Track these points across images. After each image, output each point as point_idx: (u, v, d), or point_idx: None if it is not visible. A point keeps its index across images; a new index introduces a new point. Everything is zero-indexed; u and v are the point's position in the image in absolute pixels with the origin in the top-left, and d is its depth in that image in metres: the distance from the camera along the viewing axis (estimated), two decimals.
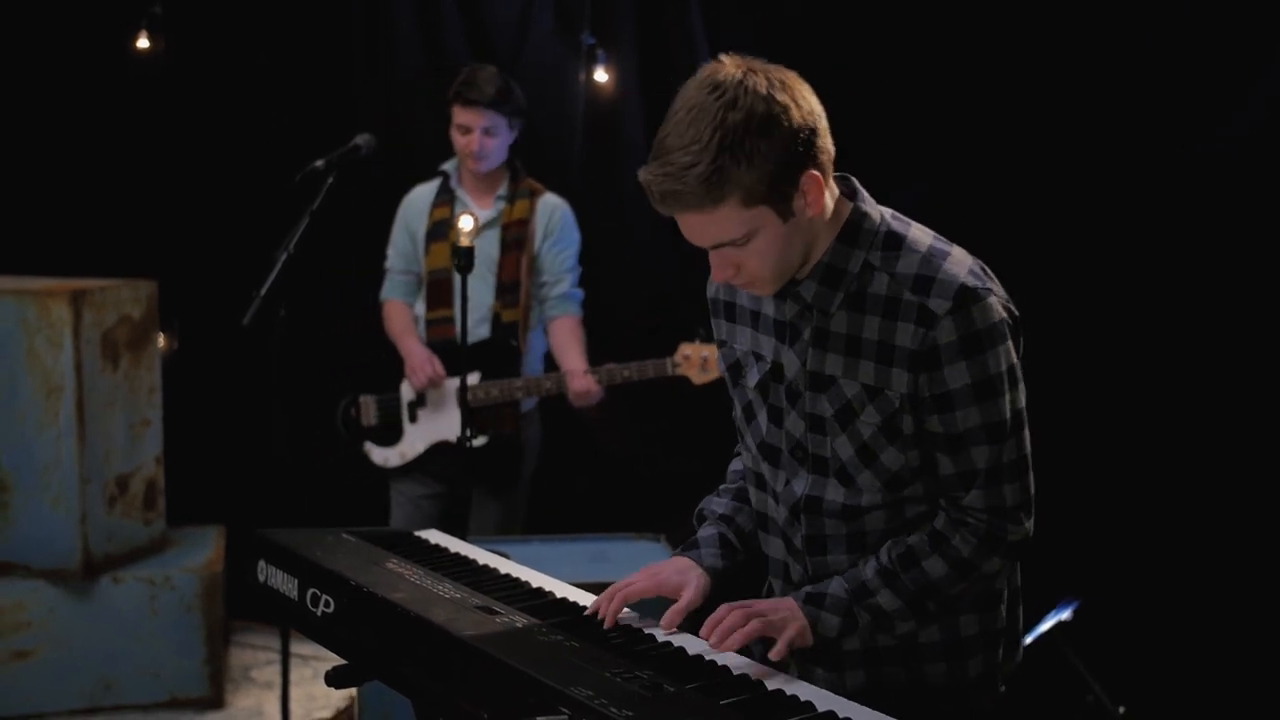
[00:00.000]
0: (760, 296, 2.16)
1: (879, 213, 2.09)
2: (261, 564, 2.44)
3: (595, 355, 4.33)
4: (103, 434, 4.62)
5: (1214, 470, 4.00)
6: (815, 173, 1.97)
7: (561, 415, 4.74)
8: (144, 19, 5.31)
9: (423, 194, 4.46)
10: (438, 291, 4.37)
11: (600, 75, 5.00)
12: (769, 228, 1.98)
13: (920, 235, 2.08)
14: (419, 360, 4.29)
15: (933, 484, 2.09)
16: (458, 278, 4.22)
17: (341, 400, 4.45)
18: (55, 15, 5.37)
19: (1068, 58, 4.17)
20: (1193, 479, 4.03)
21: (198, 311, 5.28)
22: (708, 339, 4.15)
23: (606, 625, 2.12)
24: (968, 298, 1.98)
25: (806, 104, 1.97)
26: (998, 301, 2.02)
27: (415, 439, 4.36)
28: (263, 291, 3.77)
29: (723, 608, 2.03)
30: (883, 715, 1.81)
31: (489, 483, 4.35)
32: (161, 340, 5.00)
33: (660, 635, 2.10)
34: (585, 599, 2.25)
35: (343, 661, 2.29)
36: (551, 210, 4.40)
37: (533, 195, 4.39)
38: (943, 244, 2.07)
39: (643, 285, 5.09)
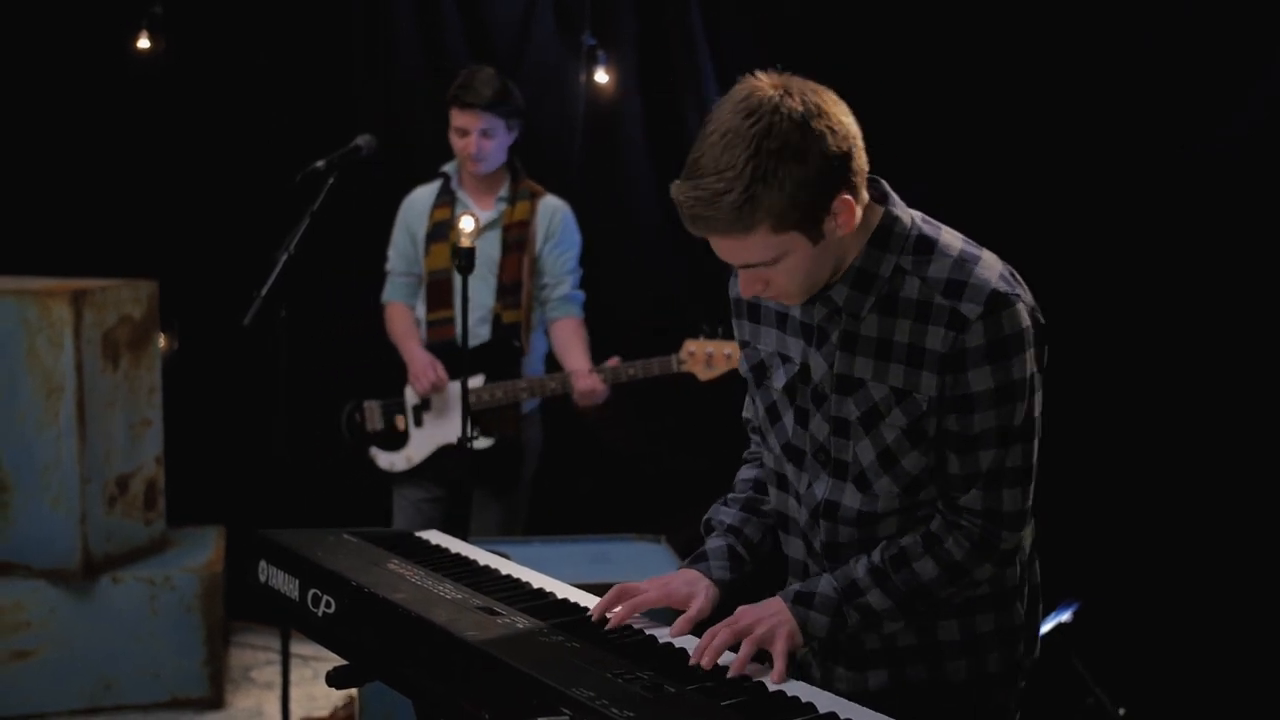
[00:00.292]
0: None
1: (910, 216, 2.09)
2: (262, 564, 2.43)
3: (597, 356, 4.33)
4: (103, 434, 4.62)
5: (1214, 472, 4.00)
6: (847, 196, 1.96)
7: (562, 416, 4.74)
8: (144, 19, 5.31)
9: (423, 195, 4.46)
10: (437, 292, 4.37)
11: (601, 76, 5.00)
12: (799, 250, 1.98)
13: (951, 239, 2.08)
14: (421, 366, 4.28)
15: (942, 484, 2.09)
16: (458, 278, 4.23)
17: (345, 405, 4.44)
18: (56, 15, 5.37)
19: (1068, 58, 4.17)
20: (1192, 481, 4.03)
21: (198, 312, 5.28)
22: (712, 335, 4.15)
23: (610, 627, 2.12)
24: (999, 303, 1.99)
25: (842, 128, 1.95)
26: (1025, 309, 2.03)
27: (421, 443, 4.35)
28: (263, 292, 3.77)
29: (710, 630, 2.03)
30: (883, 717, 1.81)
31: (490, 484, 4.35)
32: (162, 340, 5.00)
33: (662, 637, 2.10)
34: (586, 600, 2.25)
35: (343, 662, 2.29)
36: (553, 212, 4.40)
37: (533, 197, 4.39)
38: (973, 248, 2.08)
39: (644, 286, 5.09)
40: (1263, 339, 3.96)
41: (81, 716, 4.58)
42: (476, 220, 3.36)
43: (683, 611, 2.16)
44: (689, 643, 2.06)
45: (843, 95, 2.01)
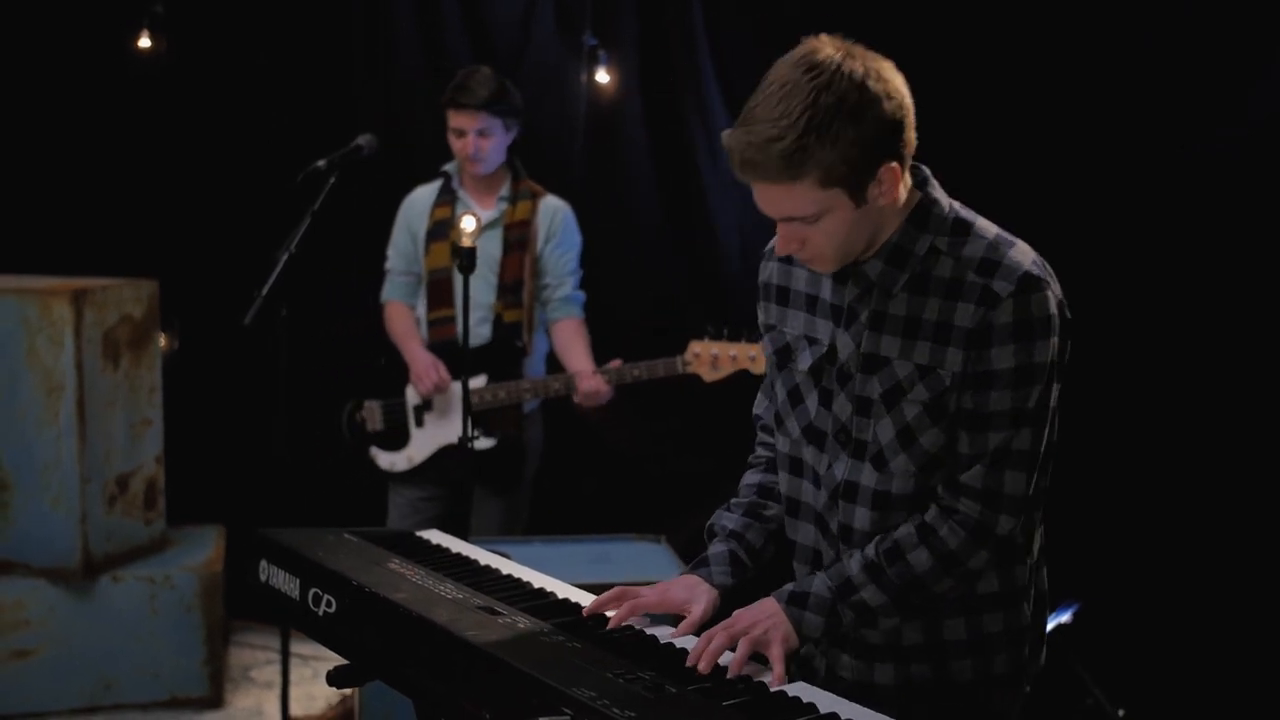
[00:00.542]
0: (819, 280, 2.18)
1: (948, 201, 2.13)
2: (263, 564, 2.44)
3: (598, 358, 4.33)
4: (103, 433, 4.62)
5: (1213, 472, 4.00)
6: (895, 164, 2.01)
7: (563, 416, 4.74)
8: (145, 18, 5.31)
9: (424, 194, 4.46)
10: (438, 291, 4.37)
11: (602, 76, 5.00)
12: (840, 210, 2.01)
13: (987, 225, 2.12)
14: (423, 367, 4.28)
15: (950, 465, 2.09)
16: (458, 278, 4.23)
17: (345, 405, 4.44)
18: (56, 14, 5.37)
19: (1067, 58, 4.17)
20: (1192, 481, 4.03)
21: (199, 311, 5.28)
22: (717, 336, 4.15)
23: (610, 627, 2.13)
24: (1030, 285, 2.02)
25: (898, 96, 2.00)
26: (1054, 298, 2.05)
27: (422, 443, 4.35)
28: (264, 291, 3.77)
29: (707, 633, 2.03)
30: (885, 717, 1.81)
31: (492, 484, 4.34)
32: (162, 340, 5.00)
33: (663, 637, 2.10)
34: (587, 600, 2.25)
35: (344, 661, 2.29)
36: (554, 212, 4.40)
37: (534, 197, 4.39)
38: (1008, 235, 2.11)
39: (644, 286, 5.09)
40: (1261, 339, 3.96)
41: (81, 715, 4.58)
42: (478, 220, 3.36)
43: (683, 616, 2.17)
44: (690, 643, 2.06)
45: None
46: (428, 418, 4.35)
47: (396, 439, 4.38)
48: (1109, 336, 4.09)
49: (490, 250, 4.30)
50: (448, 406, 4.31)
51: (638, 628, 2.14)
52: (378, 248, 4.57)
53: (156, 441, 4.91)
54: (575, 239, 4.44)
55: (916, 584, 2.07)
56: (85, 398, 4.52)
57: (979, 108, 4.14)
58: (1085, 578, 3.90)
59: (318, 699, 4.73)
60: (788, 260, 2.25)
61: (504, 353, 4.32)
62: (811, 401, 2.19)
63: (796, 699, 1.87)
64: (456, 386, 4.25)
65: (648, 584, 2.25)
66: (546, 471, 4.64)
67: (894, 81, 2.01)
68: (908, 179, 2.08)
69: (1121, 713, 3.75)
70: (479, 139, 4.23)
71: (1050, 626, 3.63)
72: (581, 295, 4.43)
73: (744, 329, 4.14)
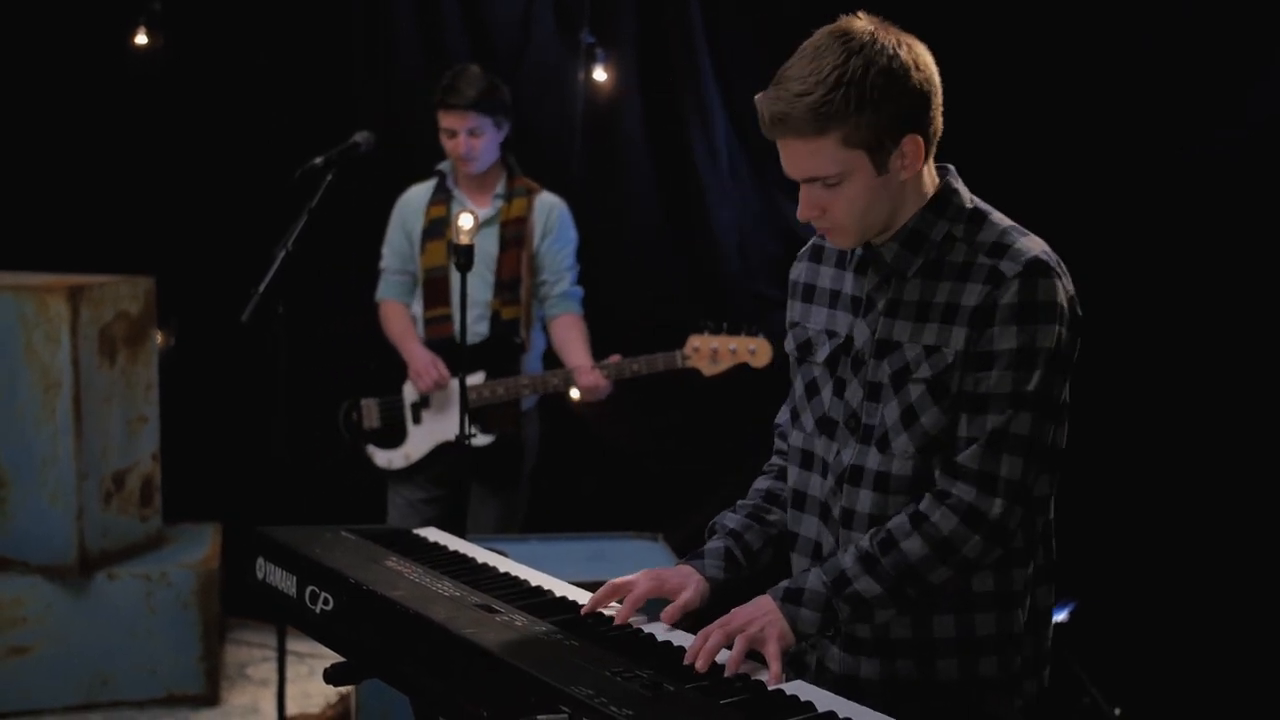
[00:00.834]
0: (843, 277, 2.22)
1: (969, 194, 2.18)
2: (260, 561, 2.43)
3: (596, 356, 4.33)
4: (100, 430, 4.62)
5: (1210, 471, 4.01)
6: (918, 137, 2.06)
7: (560, 413, 4.74)
8: (143, 15, 5.30)
9: (418, 193, 4.46)
10: (434, 290, 4.37)
11: (600, 74, 4.99)
12: (861, 176, 2.05)
13: (1004, 217, 2.17)
14: (423, 364, 4.28)
15: (948, 450, 2.09)
16: (455, 276, 4.23)
17: (342, 403, 4.44)
18: (54, 11, 5.37)
19: (1066, 61, 4.17)
20: (1188, 480, 4.03)
21: (196, 308, 5.28)
22: (717, 330, 4.15)
23: (617, 623, 2.13)
24: (1038, 269, 2.05)
25: (927, 71, 2.07)
26: (1063, 290, 2.08)
27: (420, 441, 4.35)
28: (261, 288, 3.77)
29: (703, 631, 2.04)
30: (885, 717, 1.81)
31: (490, 482, 4.34)
32: (159, 337, 5.00)
33: (660, 635, 2.10)
34: (584, 598, 2.25)
35: (341, 659, 2.29)
36: (549, 209, 4.40)
37: (529, 193, 4.39)
38: (1023, 229, 2.15)
39: (644, 285, 5.09)
40: (1259, 338, 3.96)
41: (77, 712, 4.58)
42: (475, 217, 3.36)
43: (673, 599, 2.18)
44: (687, 641, 2.06)
45: None
46: (425, 415, 4.34)
47: (394, 437, 4.38)
48: (1106, 336, 4.10)
49: (487, 248, 4.30)
50: (446, 404, 4.31)
51: (636, 625, 2.14)
52: (376, 245, 4.57)
53: (153, 438, 4.91)
54: (571, 234, 4.44)
55: (911, 573, 2.06)
56: (82, 394, 4.52)
57: (979, 109, 4.14)
58: (1081, 576, 3.90)
59: (314, 697, 4.73)
60: (817, 259, 2.30)
61: (502, 349, 4.32)
62: (826, 392, 2.22)
63: (794, 697, 1.87)
64: (455, 383, 4.25)
65: None
66: (544, 469, 4.64)
67: (924, 58, 2.08)
68: (932, 167, 2.14)
69: (1118, 711, 3.75)
70: (470, 138, 4.24)
71: None
72: (579, 290, 4.43)
73: (742, 323, 4.14)
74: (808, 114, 2.00)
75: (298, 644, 4.71)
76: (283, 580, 2.37)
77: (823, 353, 2.23)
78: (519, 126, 4.70)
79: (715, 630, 2.03)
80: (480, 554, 2.50)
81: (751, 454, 2.49)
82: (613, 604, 2.21)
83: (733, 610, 2.10)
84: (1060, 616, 3.70)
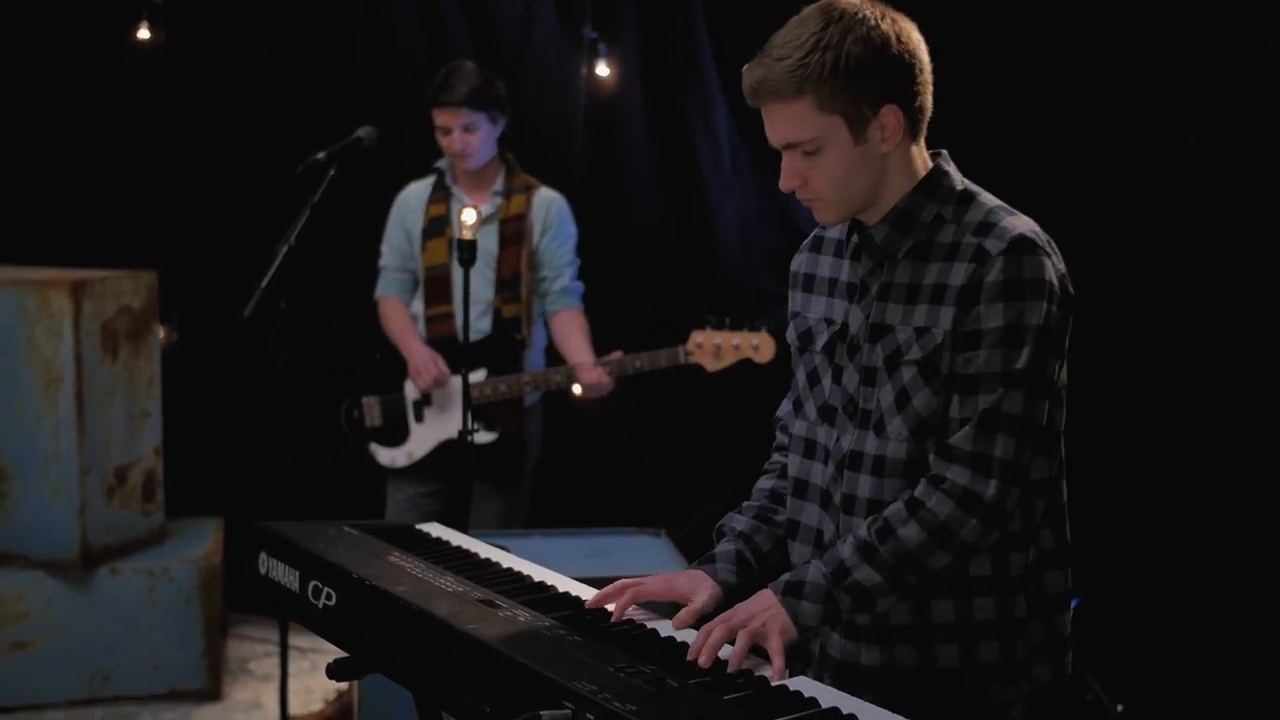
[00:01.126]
0: (840, 265, 2.23)
1: (959, 177, 2.18)
2: (263, 556, 2.43)
3: (599, 354, 4.32)
4: (102, 425, 4.62)
5: (1212, 467, 4.00)
6: (897, 109, 2.06)
7: (562, 410, 4.74)
8: (145, 10, 5.29)
9: (417, 191, 4.45)
10: (435, 288, 4.36)
11: (602, 70, 4.99)
12: (839, 143, 2.07)
13: (992, 198, 2.17)
14: (422, 361, 4.27)
15: (941, 433, 2.09)
16: (457, 273, 4.23)
17: (344, 401, 4.43)
18: (55, 5, 5.36)
19: (1060, 50, 4.16)
20: (1191, 476, 4.03)
21: (198, 303, 5.27)
22: (719, 326, 4.14)
23: (614, 619, 2.13)
24: (1023, 246, 2.05)
25: (911, 45, 2.09)
26: (1052, 268, 2.07)
27: (422, 438, 4.35)
28: (263, 283, 3.76)
29: (705, 627, 2.03)
30: (887, 712, 1.81)
31: (492, 479, 4.34)
32: (161, 332, 5.00)
33: (663, 630, 2.10)
34: (587, 593, 2.24)
35: (343, 654, 2.29)
36: (548, 204, 4.39)
37: (528, 190, 4.39)
38: (1012, 209, 2.15)
39: (645, 283, 5.08)
40: (1260, 334, 3.96)
41: (80, 707, 4.58)
42: (478, 212, 3.35)
43: (685, 605, 2.17)
44: (691, 637, 2.06)
45: None
46: (427, 413, 4.34)
47: (396, 434, 4.38)
48: (1105, 329, 4.09)
49: (487, 245, 4.29)
50: (447, 401, 4.31)
51: (639, 621, 2.14)
52: (378, 241, 4.57)
53: (155, 433, 4.91)
54: (571, 230, 4.43)
55: (910, 560, 2.06)
56: (84, 389, 4.52)
57: (976, 98, 4.14)
58: (1084, 573, 3.89)
59: (316, 692, 4.73)
60: (816, 249, 2.31)
61: (503, 346, 4.31)
62: (827, 380, 2.22)
63: (798, 693, 1.87)
64: (456, 381, 4.25)
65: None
66: (546, 466, 4.64)
67: (910, 33, 2.09)
68: (924, 149, 2.15)
69: (1120, 707, 3.75)
70: (464, 134, 4.24)
71: None
72: (580, 286, 4.43)
73: (745, 319, 4.13)
74: (784, 75, 2.03)
75: (300, 639, 4.71)
76: (285, 575, 2.37)
77: (821, 340, 2.24)
78: (521, 123, 4.70)
79: (718, 626, 2.02)
80: (483, 549, 2.50)
81: (754, 449, 2.49)
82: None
83: (735, 606, 2.10)
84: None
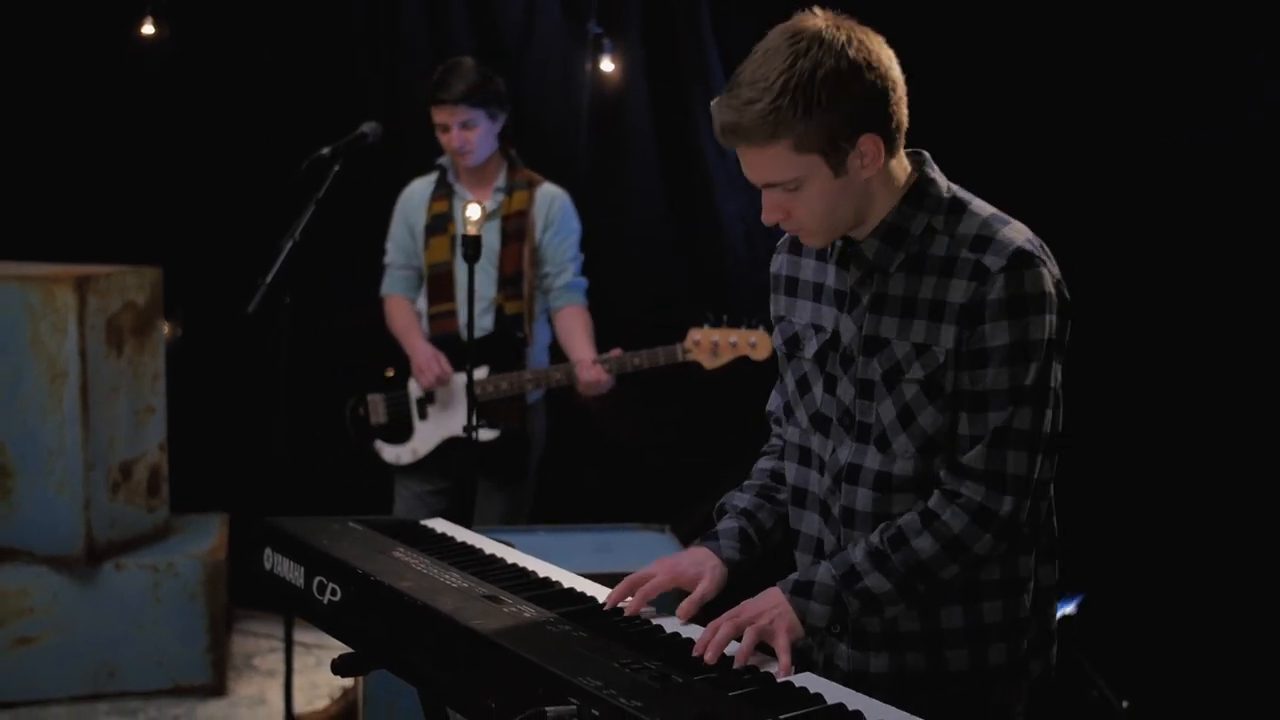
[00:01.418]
0: (825, 269, 2.19)
1: (945, 183, 2.14)
2: (268, 551, 2.43)
3: (602, 349, 4.32)
4: (107, 420, 4.62)
5: (1218, 464, 4.00)
6: (875, 136, 2.01)
7: (567, 406, 4.74)
8: (149, 5, 5.30)
9: (420, 188, 4.45)
10: (438, 285, 4.36)
11: (606, 64, 4.98)
12: (819, 179, 2.02)
13: (984, 205, 2.13)
14: (424, 359, 4.27)
15: (950, 449, 2.08)
16: (459, 270, 4.23)
17: (349, 399, 4.43)
18: (58, 2, 5.36)
19: (1054, 48, 4.15)
20: (1196, 472, 4.02)
21: (202, 299, 5.27)
22: (717, 323, 4.14)
23: (627, 614, 2.13)
24: (1022, 260, 2.02)
25: (881, 68, 2.01)
26: (1050, 276, 2.05)
27: (426, 436, 4.35)
28: (268, 279, 3.76)
29: (712, 624, 2.03)
30: (893, 709, 1.81)
31: (496, 476, 4.34)
32: (166, 327, 5.00)
33: (669, 626, 2.10)
34: (592, 589, 2.24)
35: (348, 650, 2.29)
36: (551, 200, 4.38)
37: (530, 186, 4.38)
38: (1004, 215, 2.12)
39: (649, 279, 5.07)
40: (1263, 331, 3.95)
41: (84, 702, 4.59)
42: (483, 208, 3.35)
43: (689, 592, 2.17)
44: (696, 633, 2.06)
45: None
46: (431, 410, 4.34)
47: (400, 432, 4.38)
48: (1109, 327, 4.09)
49: (489, 242, 4.29)
50: (450, 399, 4.30)
51: (644, 617, 2.14)
52: (382, 237, 4.56)
53: (160, 429, 4.91)
54: (574, 225, 4.42)
55: (922, 570, 2.06)
56: (89, 385, 4.52)
57: (966, 97, 4.13)
58: (1090, 569, 3.89)
59: (321, 687, 4.73)
60: (797, 251, 2.27)
61: (505, 343, 4.31)
62: (818, 388, 2.20)
63: (804, 689, 1.86)
64: (458, 379, 4.25)
65: None
66: (550, 462, 4.63)
67: (879, 54, 2.02)
68: (902, 157, 2.10)
69: (1126, 704, 3.74)
70: (463, 131, 4.23)
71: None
72: (583, 282, 4.42)
73: (744, 316, 4.13)
74: (756, 122, 1.97)
75: (305, 635, 4.71)
76: (290, 571, 2.37)
77: (810, 348, 2.21)
78: (525, 119, 4.68)
79: (724, 622, 2.02)
80: (488, 545, 2.49)
81: (752, 447, 2.48)
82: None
83: (742, 603, 2.09)
84: (1068, 609, 3.69)
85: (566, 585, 2.27)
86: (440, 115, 4.25)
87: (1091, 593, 3.77)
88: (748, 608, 2.07)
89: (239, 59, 5.39)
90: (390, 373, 4.41)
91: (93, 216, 5.38)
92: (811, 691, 1.85)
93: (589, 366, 4.20)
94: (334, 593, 2.25)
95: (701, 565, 2.21)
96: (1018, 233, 2.07)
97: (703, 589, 2.17)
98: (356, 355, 4.61)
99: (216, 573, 4.71)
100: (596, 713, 1.70)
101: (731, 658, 1.97)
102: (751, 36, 2.10)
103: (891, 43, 2.08)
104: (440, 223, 4.34)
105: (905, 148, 2.12)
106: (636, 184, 5.12)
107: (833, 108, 1.96)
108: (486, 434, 4.24)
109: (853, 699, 1.83)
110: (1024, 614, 2.18)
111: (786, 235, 2.31)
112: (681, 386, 4.57)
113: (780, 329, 2.29)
